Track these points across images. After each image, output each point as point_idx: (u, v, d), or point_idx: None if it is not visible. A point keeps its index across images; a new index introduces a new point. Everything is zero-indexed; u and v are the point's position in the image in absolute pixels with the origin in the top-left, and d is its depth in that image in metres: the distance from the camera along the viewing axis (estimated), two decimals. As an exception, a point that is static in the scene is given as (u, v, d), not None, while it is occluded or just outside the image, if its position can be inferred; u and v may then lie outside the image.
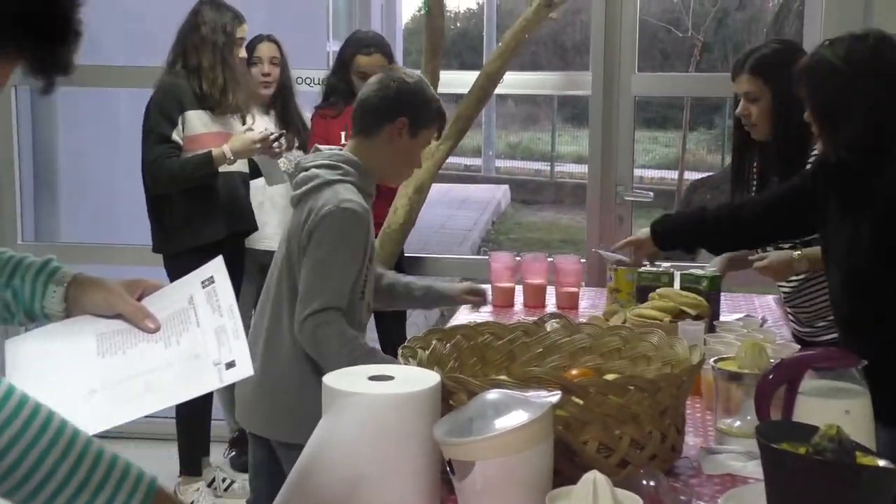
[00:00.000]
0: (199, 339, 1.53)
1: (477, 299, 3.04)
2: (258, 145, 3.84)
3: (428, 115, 2.66)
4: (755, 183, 3.21)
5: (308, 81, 4.66)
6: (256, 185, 4.23)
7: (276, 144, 3.94)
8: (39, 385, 1.37)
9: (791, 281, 3.13)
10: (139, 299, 1.61)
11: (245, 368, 1.47)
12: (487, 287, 3.30)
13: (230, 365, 1.48)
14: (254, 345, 2.68)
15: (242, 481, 4.23)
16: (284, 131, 4.07)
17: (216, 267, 1.69)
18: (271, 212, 4.39)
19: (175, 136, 3.89)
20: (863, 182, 2.34)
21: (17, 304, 1.57)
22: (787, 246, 3.11)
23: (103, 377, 1.50)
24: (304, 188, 2.62)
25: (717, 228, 2.85)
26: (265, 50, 4.32)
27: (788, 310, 3.29)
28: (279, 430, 2.64)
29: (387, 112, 2.62)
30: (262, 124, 4.21)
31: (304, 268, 2.54)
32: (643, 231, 2.99)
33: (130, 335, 1.57)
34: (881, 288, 2.40)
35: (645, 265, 3.13)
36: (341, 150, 2.70)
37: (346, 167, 2.61)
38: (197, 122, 3.92)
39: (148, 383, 1.49)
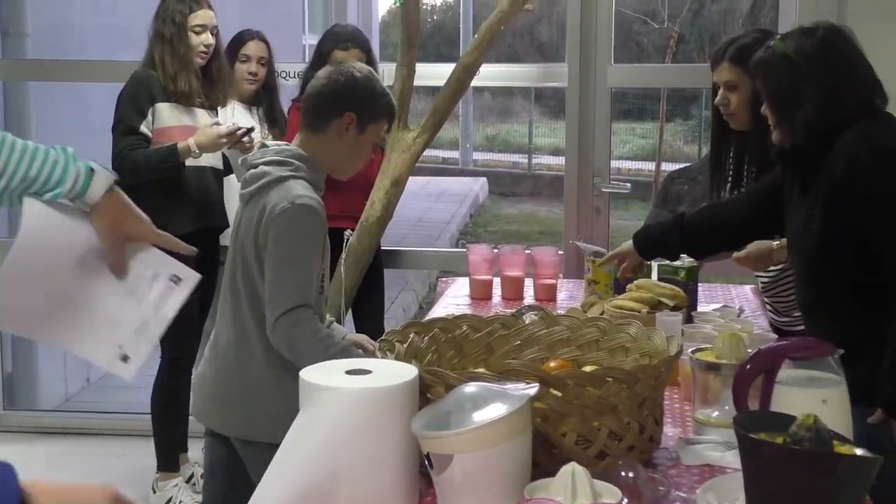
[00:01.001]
0: (128, 315, 1.61)
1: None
2: (224, 140, 3.81)
3: (376, 109, 2.63)
4: (731, 172, 3.22)
5: (284, 75, 4.64)
6: (233, 181, 4.21)
7: (245, 139, 3.91)
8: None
9: (769, 271, 3.14)
10: None
11: (128, 372, 1.63)
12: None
13: (125, 358, 1.53)
14: (215, 343, 2.68)
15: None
16: (253, 127, 4.04)
17: (191, 280, 1.82)
18: None
19: (143, 129, 3.87)
20: (815, 167, 2.42)
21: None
22: None
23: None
24: (254, 185, 2.59)
25: (697, 234, 2.87)
26: (254, 48, 4.29)
27: (766, 299, 3.30)
28: (238, 427, 2.60)
29: (334, 107, 2.60)
30: (245, 120, 4.18)
31: (267, 268, 2.51)
32: (626, 244, 3.00)
33: (103, 263, 1.73)
34: (833, 271, 2.44)
35: (630, 277, 3.10)
36: (289, 145, 2.67)
37: (296, 162, 2.58)
38: (167, 114, 3.91)
39: (77, 309, 1.65)
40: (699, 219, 2.89)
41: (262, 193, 2.56)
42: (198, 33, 3.93)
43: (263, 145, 2.71)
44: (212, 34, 3.97)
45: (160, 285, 1.73)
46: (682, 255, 3.08)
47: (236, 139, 3.86)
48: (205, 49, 3.95)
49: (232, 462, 2.63)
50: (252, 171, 2.62)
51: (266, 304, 2.50)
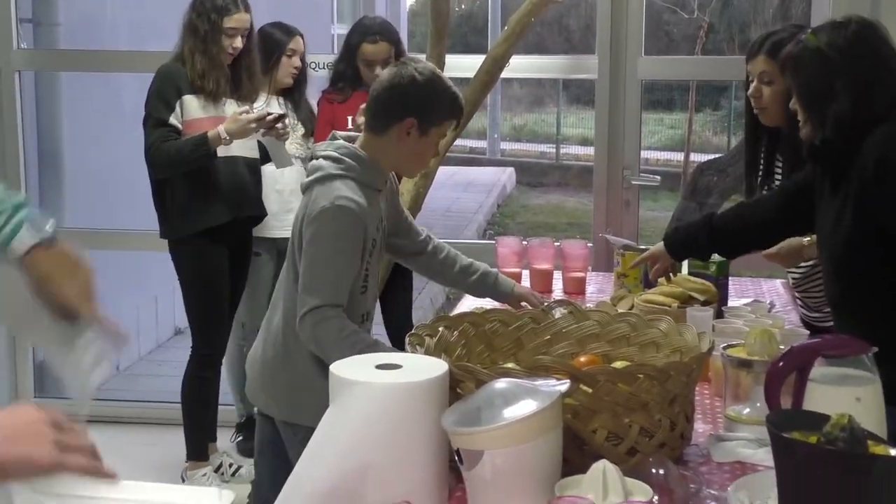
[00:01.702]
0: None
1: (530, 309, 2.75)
2: (254, 125, 3.82)
3: (439, 111, 2.59)
4: (762, 167, 3.20)
5: (314, 66, 4.65)
6: (273, 171, 4.22)
7: (279, 126, 3.92)
8: None
9: (800, 266, 3.12)
10: None
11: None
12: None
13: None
14: (269, 323, 2.70)
15: (249, 466, 4.24)
16: (285, 113, 4.05)
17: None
18: (292, 199, 4.35)
19: (173, 120, 3.89)
20: (846, 163, 2.39)
21: None
22: None
23: None
24: (310, 178, 2.61)
25: (727, 234, 2.85)
26: (299, 44, 4.33)
27: (797, 295, 3.27)
28: (283, 408, 2.64)
29: (395, 111, 2.56)
30: (276, 109, 4.18)
31: (302, 264, 2.53)
32: (657, 246, 2.98)
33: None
34: (862, 269, 2.42)
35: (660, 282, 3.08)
36: (347, 144, 2.64)
37: (350, 161, 2.57)
38: (195, 106, 3.92)
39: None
40: (728, 219, 2.88)
41: (312, 187, 2.58)
42: (230, 35, 3.93)
43: (334, 136, 2.69)
44: (243, 37, 3.97)
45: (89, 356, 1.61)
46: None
47: (267, 125, 3.87)
48: (232, 52, 3.96)
49: (279, 442, 2.66)
50: (312, 162, 2.63)
51: (298, 299, 2.52)
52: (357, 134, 2.70)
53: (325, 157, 2.60)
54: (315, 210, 2.51)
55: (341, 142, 2.65)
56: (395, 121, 2.56)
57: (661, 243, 2.97)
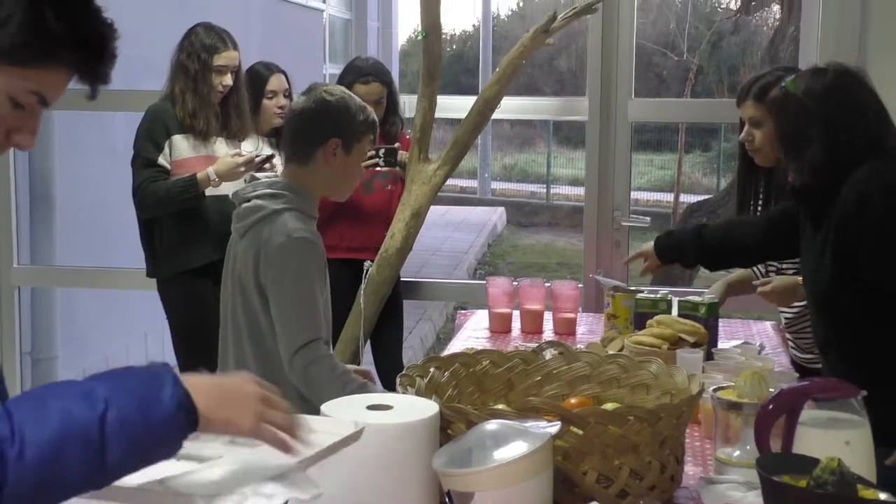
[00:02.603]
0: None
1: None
2: (242, 168, 3.83)
3: (357, 129, 2.62)
4: (760, 207, 3.22)
5: (305, 105, 4.66)
6: None
7: (267, 166, 3.94)
8: None
9: (793, 306, 3.13)
10: None
11: None
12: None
13: None
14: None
15: None
16: (273, 154, 4.06)
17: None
18: None
19: (161, 161, 3.89)
20: (826, 205, 2.45)
21: None
22: (790, 272, 3.13)
23: None
24: (249, 219, 2.61)
25: (714, 248, 2.94)
26: (276, 83, 4.30)
27: (789, 336, 3.28)
28: None
29: (316, 136, 2.60)
30: (250, 145, 4.17)
31: (273, 305, 2.53)
32: (648, 244, 3.09)
33: None
34: (845, 309, 2.46)
35: (642, 291, 3.14)
36: (278, 177, 2.68)
37: (288, 194, 2.59)
38: (184, 145, 3.93)
39: None
40: (717, 233, 2.97)
41: (257, 227, 2.59)
42: (219, 72, 3.94)
43: (253, 178, 2.72)
44: (232, 74, 3.99)
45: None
46: (702, 291, 3.08)
47: (256, 166, 3.88)
48: (222, 90, 3.97)
49: None
50: (245, 204, 2.64)
51: (279, 343, 2.52)
52: (272, 175, 2.72)
53: (260, 197, 2.61)
54: (273, 248, 2.51)
55: (270, 178, 2.67)
56: (318, 145, 2.60)
57: (652, 243, 3.05)
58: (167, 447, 1.31)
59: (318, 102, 2.62)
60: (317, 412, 1.79)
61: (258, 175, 3.85)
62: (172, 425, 1.29)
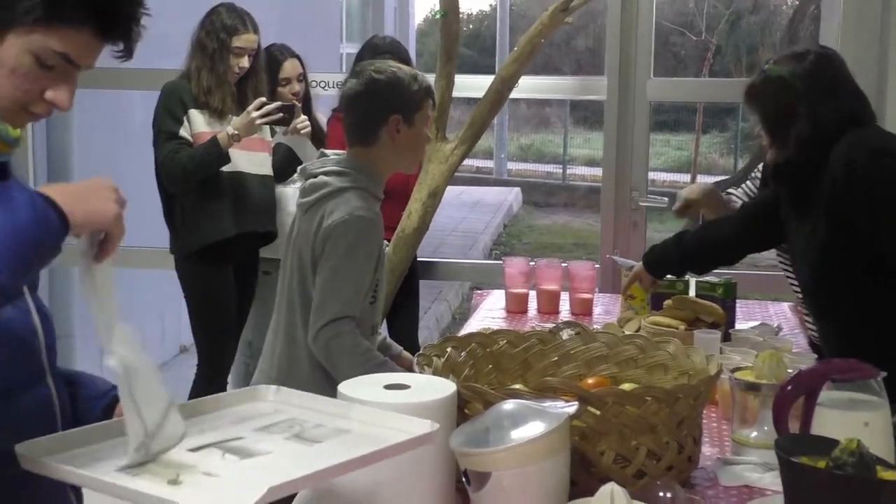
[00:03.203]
0: None
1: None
2: (255, 114, 3.82)
3: (416, 99, 2.63)
4: None
5: (322, 85, 4.66)
6: (285, 192, 4.21)
7: (299, 124, 3.95)
8: None
9: None
10: None
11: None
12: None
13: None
14: (270, 354, 2.70)
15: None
16: (294, 104, 4.04)
17: None
18: None
19: (183, 133, 3.91)
20: (812, 180, 2.52)
21: None
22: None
23: None
24: (314, 195, 2.63)
25: (696, 253, 2.97)
26: (291, 69, 4.28)
27: (805, 314, 3.26)
28: None
29: (376, 116, 2.61)
30: (282, 137, 4.17)
31: (318, 278, 2.55)
32: (638, 265, 3.11)
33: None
34: (842, 279, 2.52)
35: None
36: (344, 154, 2.70)
37: (355, 173, 2.61)
38: (200, 120, 3.94)
39: None
40: (695, 238, 3.00)
41: (321, 203, 2.60)
42: (237, 55, 3.94)
43: (322, 154, 2.73)
44: (250, 57, 3.98)
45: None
46: (721, 273, 3.08)
47: (273, 115, 3.86)
48: (238, 71, 3.97)
49: None
50: (312, 180, 2.65)
51: (312, 313, 2.54)
52: (343, 153, 2.72)
53: (328, 174, 2.62)
54: (332, 223, 2.53)
55: (339, 155, 2.69)
56: (380, 125, 2.61)
57: (641, 263, 3.08)
58: (44, 246, 1.35)
59: (369, 83, 2.62)
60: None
61: (291, 135, 3.81)
62: (39, 223, 1.33)
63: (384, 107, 2.60)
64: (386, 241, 3.94)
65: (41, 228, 1.33)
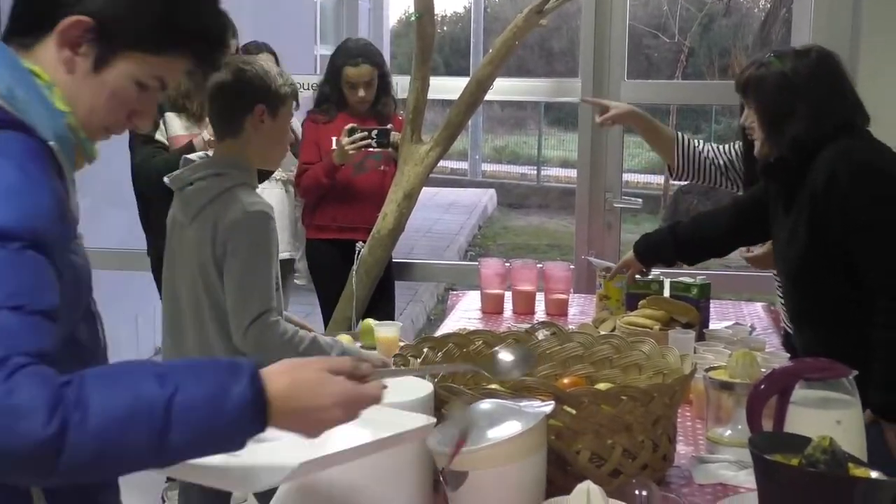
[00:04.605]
0: None
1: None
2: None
3: (281, 94, 2.65)
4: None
5: (298, 87, 4.65)
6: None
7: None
8: None
9: None
10: None
11: None
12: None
13: None
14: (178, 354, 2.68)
15: (230, 487, 4.22)
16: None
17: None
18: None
19: (159, 136, 3.89)
20: (798, 181, 2.54)
21: None
22: None
23: None
24: (198, 203, 2.61)
25: (688, 243, 3.01)
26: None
27: (783, 301, 3.27)
28: None
29: (240, 107, 2.63)
30: None
31: (228, 280, 2.56)
32: (629, 254, 3.14)
33: None
34: (817, 283, 2.54)
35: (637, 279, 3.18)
36: (207, 155, 2.74)
37: (232, 170, 2.63)
38: (176, 123, 3.93)
39: None
40: (688, 229, 3.04)
41: (208, 208, 2.59)
42: None
43: (187, 161, 2.72)
44: None
45: None
46: (694, 273, 3.10)
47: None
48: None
49: None
50: (189, 188, 2.64)
51: (231, 316, 2.55)
52: (203, 153, 2.76)
53: (204, 178, 2.63)
54: (229, 224, 2.54)
55: (205, 158, 2.73)
56: (245, 115, 2.62)
57: (632, 252, 3.11)
58: (230, 442, 1.29)
59: (236, 73, 2.63)
60: None
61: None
62: (238, 421, 1.27)
63: (247, 96, 2.62)
64: (362, 242, 3.96)
65: (237, 425, 1.27)
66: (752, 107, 2.66)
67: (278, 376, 1.32)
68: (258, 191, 2.67)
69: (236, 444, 1.29)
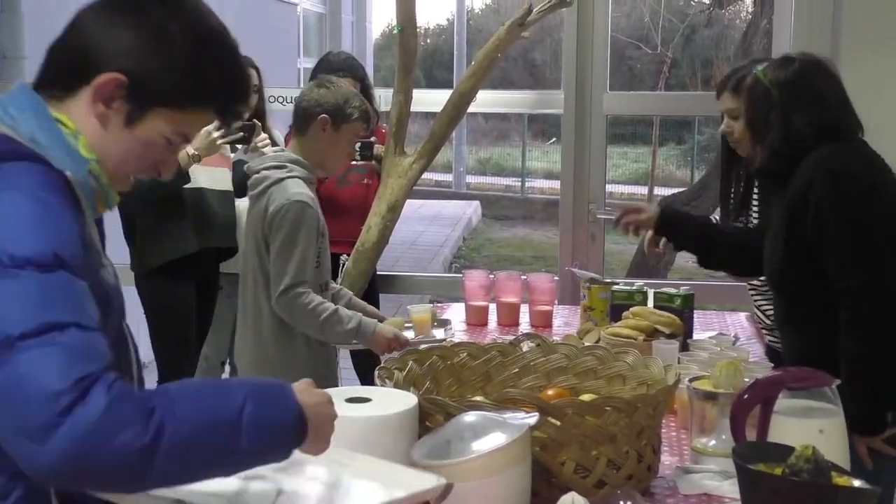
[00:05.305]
0: None
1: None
2: (215, 134, 3.81)
3: (346, 110, 3.10)
4: (740, 200, 3.22)
5: (280, 100, 4.65)
6: (237, 206, 4.21)
7: (259, 143, 3.95)
8: None
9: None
10: None
11: None
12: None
13: None
14: (243, 327, 3.20)
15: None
16: (254, 122, 4.03)
17: None
18: None
19: None
20: (781, 188, 2.55)
21: None
22: None
23: None
24: (259, 188, 3.10)
25: (721, 244, 2.94)
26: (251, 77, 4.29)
27: (758, 300, 3.27)
28: None
29: (311, 112, 3.11)
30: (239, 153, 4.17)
31: (271, 255, 3.03)
32: (653, 209, 3.01)
33: None
34: (795, 288, 2.55)
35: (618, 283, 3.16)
36: (283, 149, 3.20)
37: (290, 164, 3.09)
38: None
39: None
40: (725, 228, 3.06)
41: (264, 193, 3.08)
42: None
43: (262, 153, 3.17)
44: None
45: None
46: (678, 284, 3.10)
47: (234, 135, 3.86)
48: None
49: None
50: (255, 175, 3.13)
51: (271, 284, 3.03)
52: (280, 149, 3.23)
53: (267, 168, 3.11)
54: (275, 209, 3.02)
55: (276, 151, 3.20)
56: (312, 119, 3.10)
57: (657, 208, 3.01)
58: (280, 452, 1.41)
59: (321, 86, 3.16)
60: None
61: (265, 151, 3.96)
62: (291, 432, 1.41)
63: (320, 106, 3.10)
64: (346, 255, 3.96)
65: (289, 436, 1.41)
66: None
67: (303, 395, 1.45)
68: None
69: (284, 453, 1.42)
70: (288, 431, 1.40)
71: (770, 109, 2.54)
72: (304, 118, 3.14)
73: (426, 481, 1.55)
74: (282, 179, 3.06)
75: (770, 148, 2.55)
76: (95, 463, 1.24)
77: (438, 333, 3.31)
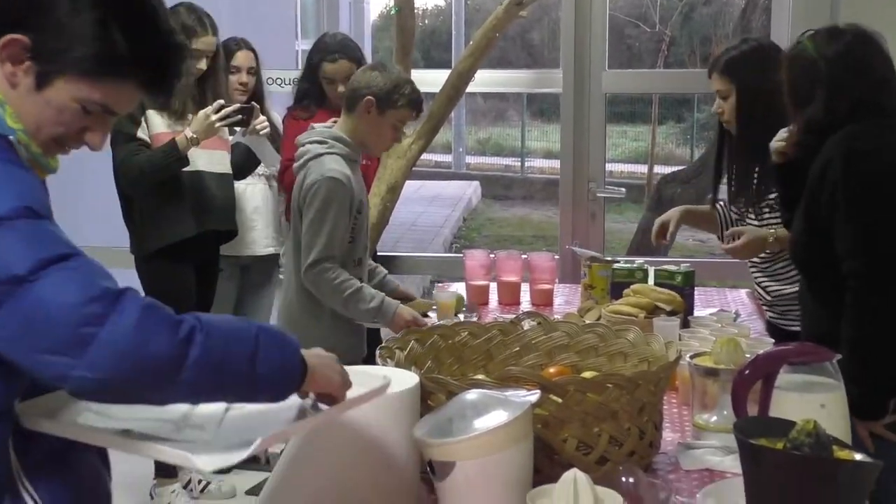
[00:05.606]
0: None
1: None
2: (214, 116, 3.80)
3: (393, 96, 3.14)
4: (735, 180, 3.22)
5: (279, 82, 4.64)
6: (244, 192, 4.21)
7: (258, 125, 3.94)
8: None
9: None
10: None
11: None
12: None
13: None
14: (287, 285, 3.32)
15: (219, 482, 4.22)
16: (252, 105, 4.02)
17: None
18: (256, 217, 4.38)
19: (141, 134, 3.87)
20: (810, 162, 2.51)
21: None
22: (755, 224, 3.16)
23: None
24: (301, 160, 3.20)
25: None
26: (243, 59, 4.28)
27: (758, 276, 3.27)
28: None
29: (359, 92, 3.16)
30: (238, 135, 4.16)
31: (303, 229, 3.12)
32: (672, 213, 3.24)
33: None
34: (812, 268, 2.55)
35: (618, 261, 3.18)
36: (330, 126, 3.26)
37: (332, 141, 3.17)
38: (158, 121, 3.90)
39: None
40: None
41: (304, 166, 3.18)
42: (194, 57, 3.89)
43: (311, 127, 3.30)
44: (207, 59, 3.96)
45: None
46: (678, 260, 3.10)
47: (231, 117, 3.84)
48: (195, 73, 3.93)
49: None
50: (301, 148, 3.23)
51: (301, 254, 3.13)
52: (330, 125, 3.28)
53: (310, 142, 3.19)
54: (309, 183, 3.10)
55: (322, 129, 3.25)
56: (360, 100, 3.16)
57: (677, 212, 3.19)
58: (282, 387, 1.52)
59: (373, 68, 3.23)
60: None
61: (251, 136, 3.97)
62: (295, 365, 1.52)
63: (368, 88, 3.15)
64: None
65: (294, 369, 1.53)
66: (784, 86, 2.59)
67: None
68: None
69: (286, 390, 1.53)
70: (293, 365, 1.51)
71: (816, 83, 2.47)
72: (352, 98, 3.20)
73: (375, 382, 1.70)
74: (320, 155, 3.14)
75: (808, 122, 2.50)
76: (137, 367, 1.33)
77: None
